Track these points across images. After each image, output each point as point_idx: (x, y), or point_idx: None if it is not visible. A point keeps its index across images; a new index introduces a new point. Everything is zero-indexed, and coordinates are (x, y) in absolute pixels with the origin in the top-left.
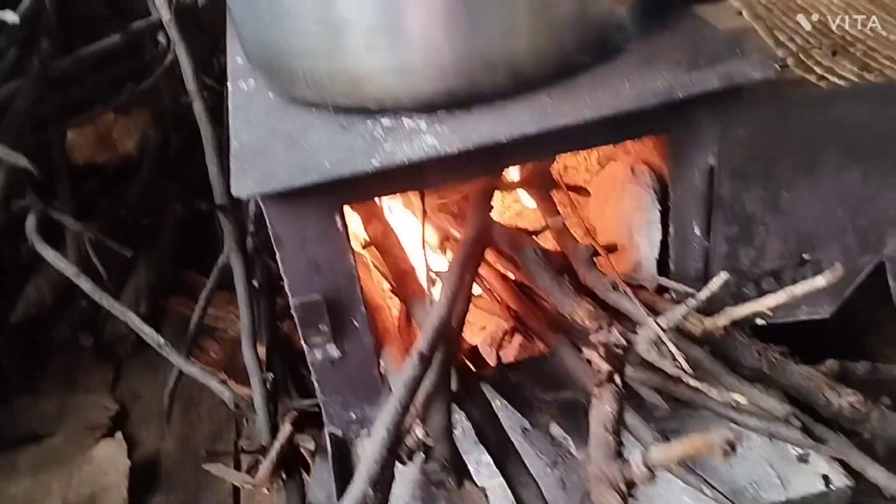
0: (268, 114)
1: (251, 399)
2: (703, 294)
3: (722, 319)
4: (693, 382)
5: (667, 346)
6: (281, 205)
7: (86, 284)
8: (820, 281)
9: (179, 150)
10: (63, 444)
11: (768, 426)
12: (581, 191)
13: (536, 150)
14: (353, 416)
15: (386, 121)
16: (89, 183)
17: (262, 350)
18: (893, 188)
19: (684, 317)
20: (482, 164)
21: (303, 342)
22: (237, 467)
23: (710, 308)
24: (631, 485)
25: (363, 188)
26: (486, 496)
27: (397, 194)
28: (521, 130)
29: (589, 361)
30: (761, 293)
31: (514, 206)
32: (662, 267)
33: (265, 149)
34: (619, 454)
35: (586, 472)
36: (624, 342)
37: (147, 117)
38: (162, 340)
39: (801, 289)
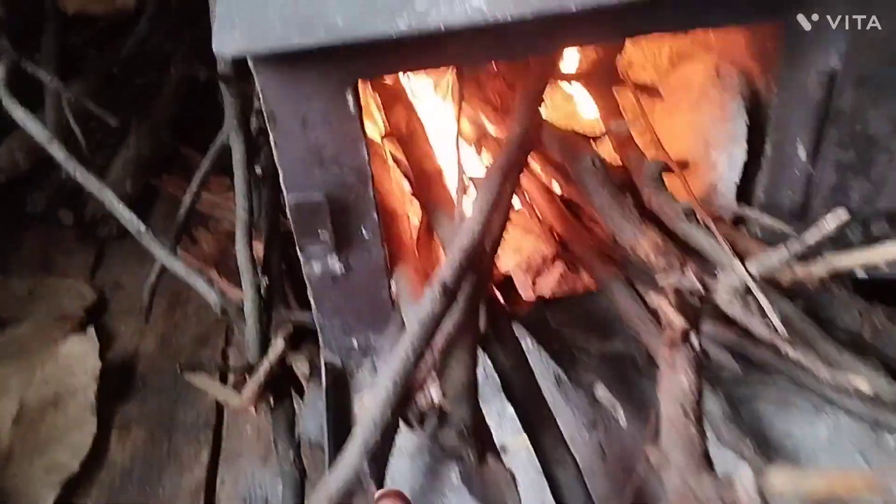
0: None
1: (242, 303)
2: (812, 237)
3: (820, 268)
4: (792, 352)
5: (756, 299)
6: (278, 71)
7: (58, 153)
8: None
9: (184, 3)
10: (29, 335)
11: (874, 413)
12: (651, 91)
13: (612, 27)
14: (356, 343)
15: None
16: (80, 36)
17: (259, 247)
18: None
19: (782, 264)
20: (540, 40)
21: (298, 251)
22: (223, 378)
23: (805, 254)
24: None
25: (384, 59)
26: (513, 478)
27: (428, 71)
28: None
29: (652, 311)
30: (869, 238)
31: (564, 105)
32: (743, 194)
33: None
34: (706, 459)
35: (648, 461)
36: (700, 289)
37: None
38: (143, 227)
39: None
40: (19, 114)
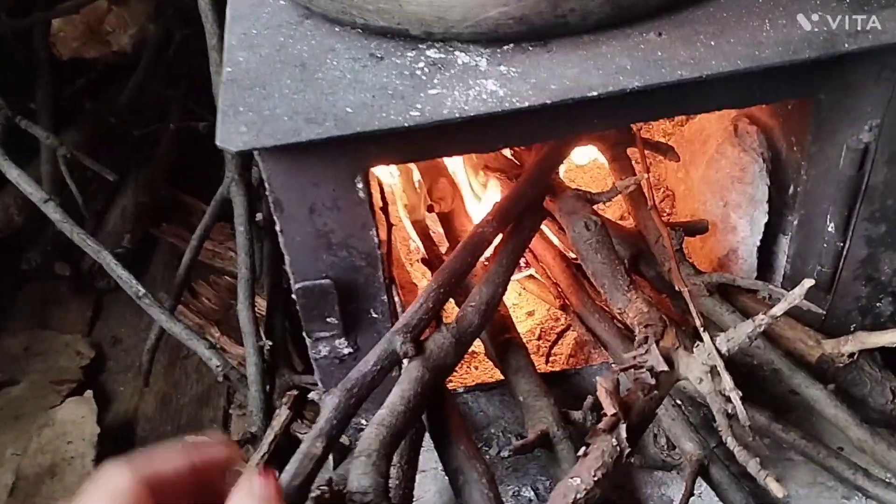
0: (277, 28)
1: (244, 361)
2: (779, 310)
3: (850, 345)
4: (732, 444)
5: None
6: (284, 161)
7: (54, 214)
8: None
9: (182, 48)
10: (25, 397)
11: None
12: (666, 151)
13: (637, 111)
14: (364, 422)
15: (433, 52)
16: (75, 83)
17: (262, 303)
18: None
19: (752, 337)
20: (560, 125)
21: (305, 335)
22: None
23: (832, 326)
24: None
25: (396, 147)
26: None
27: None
28: (622, 83)
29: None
30: None
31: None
32: (763, 258)
33: (267, 78)
34: None
35: None
36: (664, 367)
37: (146, 8)
38: (141, 290)
39: None
40: (14, 174)
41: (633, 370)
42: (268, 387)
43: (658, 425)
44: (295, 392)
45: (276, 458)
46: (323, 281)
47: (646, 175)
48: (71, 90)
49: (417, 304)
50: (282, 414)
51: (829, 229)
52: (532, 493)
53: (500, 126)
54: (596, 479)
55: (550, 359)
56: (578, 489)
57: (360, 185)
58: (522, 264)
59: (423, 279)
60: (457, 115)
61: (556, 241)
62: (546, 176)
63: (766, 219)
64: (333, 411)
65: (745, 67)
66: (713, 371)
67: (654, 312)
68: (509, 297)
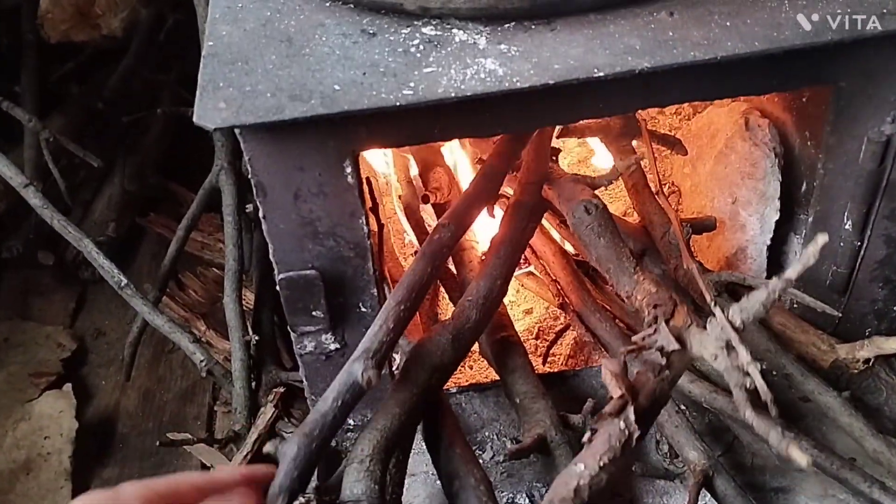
0: (263, 1)
1: (230, 356)
2: (794, 272)
3: (865, 350)
4: (752, 418)
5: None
6: (268, 141)
7: (34, 199)
8: None
9: (174, 33)
10: (1, 391)
11: None
12: (674, 144)
13: (643, 96)
14: (351, 422)
15: (429, 29)
16: (62, 66)
17: (250, 296)
18: None
19: (766, 306)
20: (562, 109)
21: (289, 328)
22: (210, 433)
23: (847, 330)
24: None
25: (387, 129)
26: None
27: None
28: (631, 64)
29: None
30: None
31: (575, 149)
32: (774, 258)
33: (251, 54)
34: None
35: None
36: (675, 346)
37: None
38: (123, 280)
39: None
40: None
41: (640, 351)
42: (254, 383)
43: (661, 432)
44: (281, 389)
45: (260, 459)
46: (308, 272)
47: (650, 155)
48: (58, 74)
49: (377, 325)
50: (267, 412)
51: (846, 227)
52: (527, 500)
53: (499, 108)
54: (602, 464)
55: (548, 359)
56: (582, 475)
57: (348, 170)
58: (521, 260)
59: None
60: (452, 95)
61: (556, 236)
62: (503, 169)
63: (777, 216)
64: (293, 462)
65: (762, 49)
66: (728, 346)
67: (663, 292)
68: (506, 295)
